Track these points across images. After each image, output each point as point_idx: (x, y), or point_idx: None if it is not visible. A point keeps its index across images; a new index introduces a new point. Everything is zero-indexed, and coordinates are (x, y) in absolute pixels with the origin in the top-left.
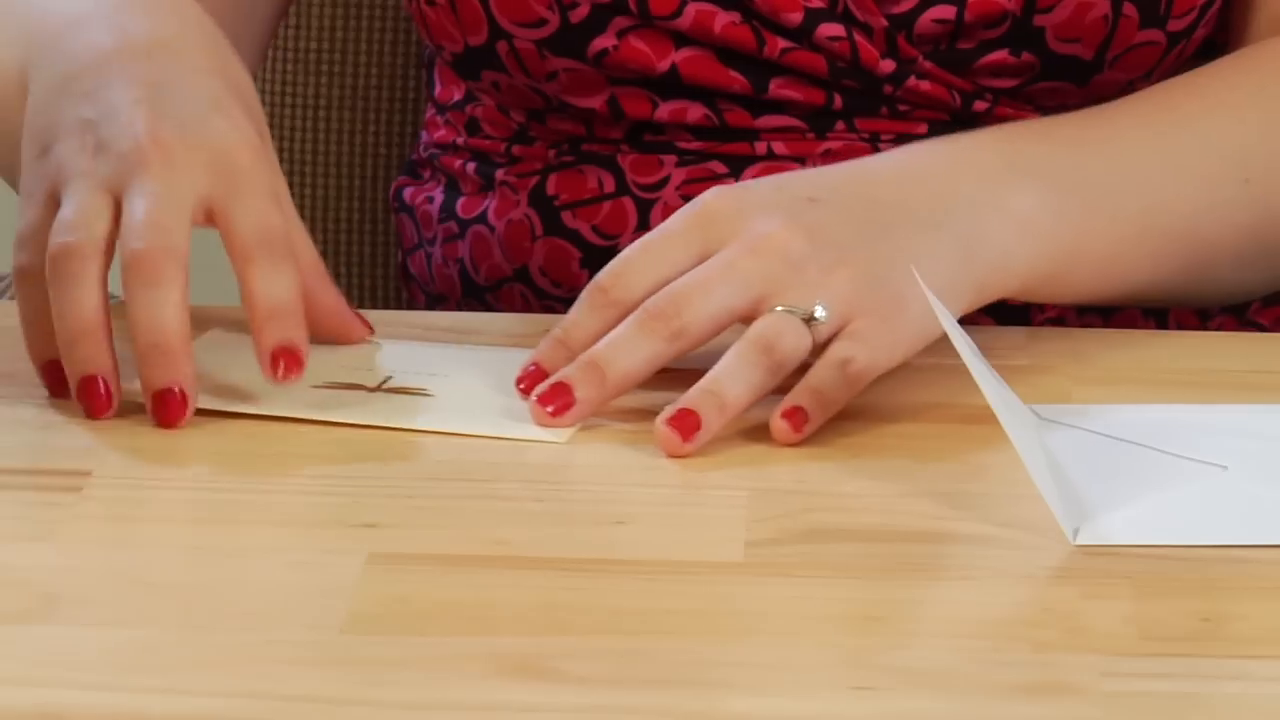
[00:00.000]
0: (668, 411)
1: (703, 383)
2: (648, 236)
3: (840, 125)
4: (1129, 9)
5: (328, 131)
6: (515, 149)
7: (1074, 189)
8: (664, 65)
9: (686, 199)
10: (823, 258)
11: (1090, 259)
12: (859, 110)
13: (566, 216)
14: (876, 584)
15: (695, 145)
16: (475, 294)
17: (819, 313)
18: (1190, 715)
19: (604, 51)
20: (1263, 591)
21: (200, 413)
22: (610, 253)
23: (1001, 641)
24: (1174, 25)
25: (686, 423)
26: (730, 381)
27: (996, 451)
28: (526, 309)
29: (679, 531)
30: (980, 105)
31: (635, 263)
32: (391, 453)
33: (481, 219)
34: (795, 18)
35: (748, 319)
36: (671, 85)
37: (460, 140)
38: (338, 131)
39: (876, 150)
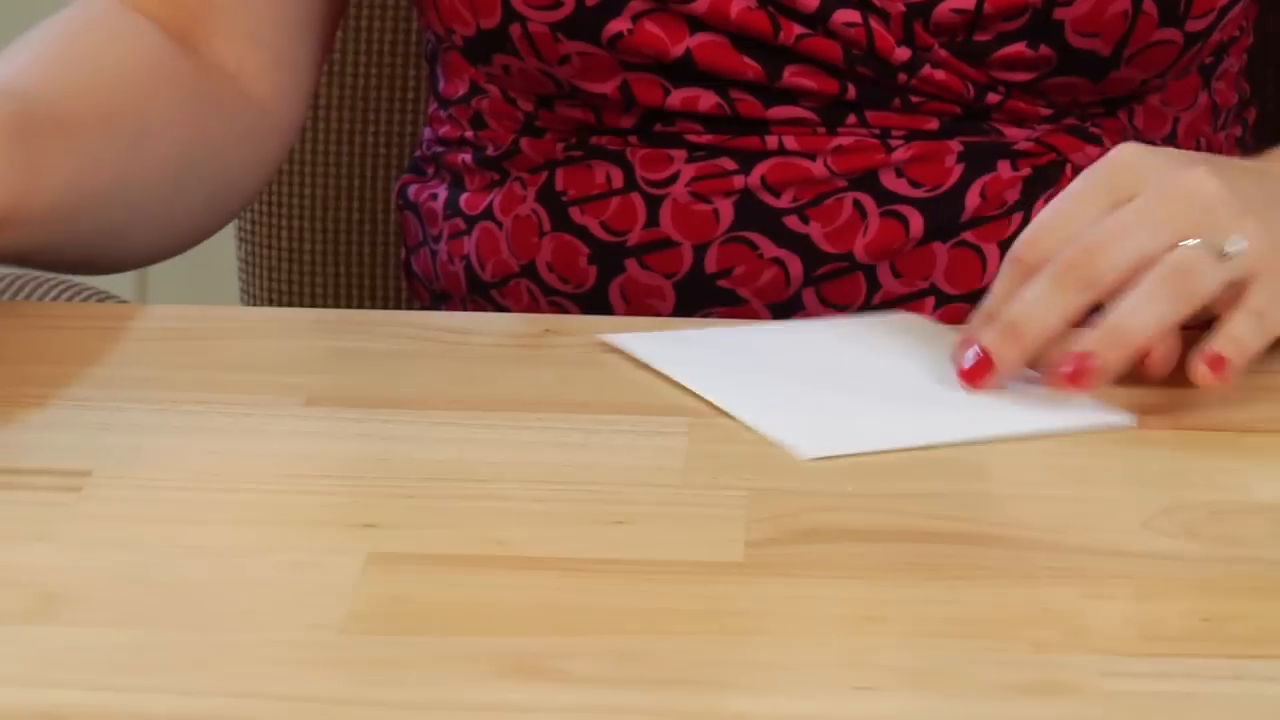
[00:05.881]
0: (1065, 360)
1: (1105, 321)
2: (1057, 200)
3: (852, 119)
4: (1149, 6)
5: (327, 131)
6: (523, 142)
7: None
8: (678, 50)
9: (695, 196)
10: (1234, 204)
11: None
12: (871, 102)
13: (575, 212)
14: (876, 584)
15: (705, 139)
16: (481, 290)
17: (1231, 247)
18: (1190, 715)
19: (618, 35)
20: (1263, 591)
21: (197, 412)
22: (618, 249)
23: (1001, 641)
24: (1192, 25)
25: (1083, 367)
26: (1133, 314)
27: (997, 452)
28: (534, 306)
29: (679, 531)
30: (993, 98)
31: (1048, 226)
32: (391, 453)
33: (488, 214)
34: (811, 3)
35: None
36: (684, 71)
37: (466, 135)
38: (338, 131)
39: (887, 147)
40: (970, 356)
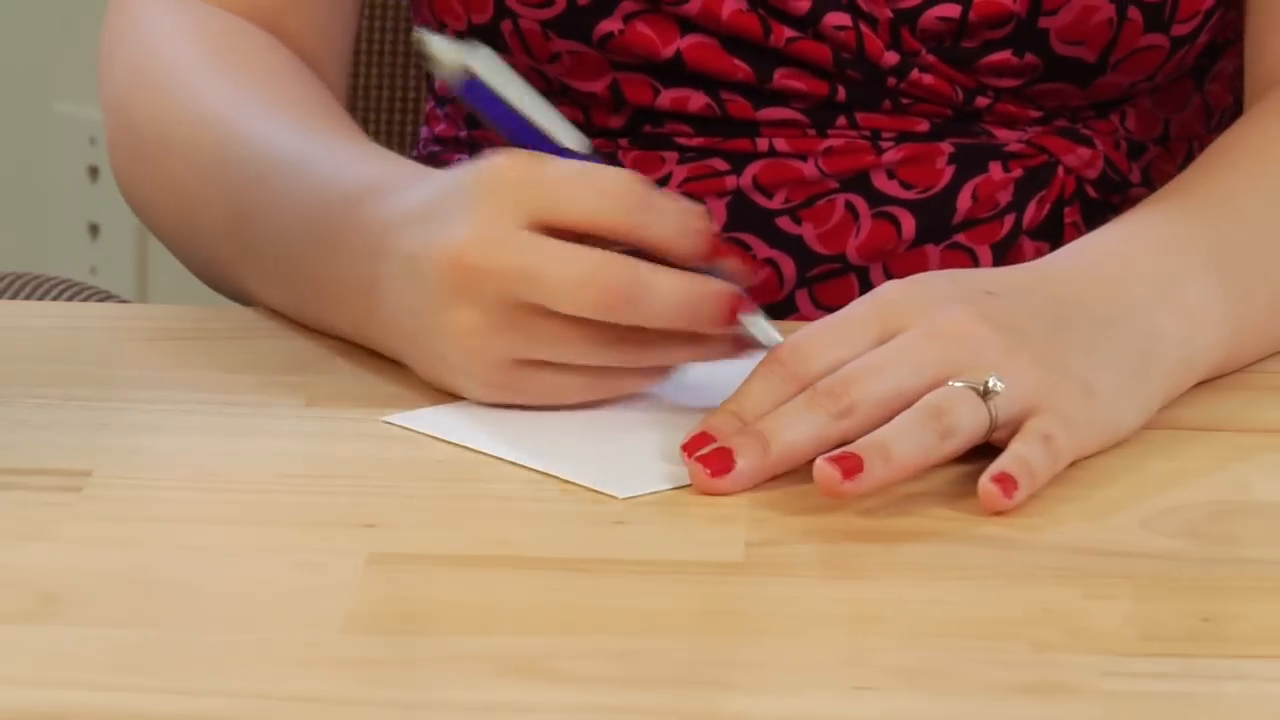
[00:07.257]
0: (831, 454)
1: (869, 436)
2: (830, 317)
3: (842, 120)
4: (1133, 13)
5: None
6: None
7: (1232, 270)
8: (669, 51)
9: (688, 197)
10: (1004, 342)
11: (1252, 332)
12: (861, 103)
13: None
14: (876, 584)
15: (695, 141)
16: None
17: (994, 384)
18: (1190, 715)
19: (609, 35)
20: (1263, 591)
21: (197, 412)
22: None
23: (1001, 641)
24: (1178, 30)
25: (847, 463)
26: (896, 438)
27: (996, 452)
28: None
29: (679, 531)
30: (982, 101)
31: (814, 339)
32: (391, 453)
33: None
34: (802, 6)
35: None
36: (675, 72)
37: (461, 135)
38: None
39: (877, 149)
40: (712, 448)
